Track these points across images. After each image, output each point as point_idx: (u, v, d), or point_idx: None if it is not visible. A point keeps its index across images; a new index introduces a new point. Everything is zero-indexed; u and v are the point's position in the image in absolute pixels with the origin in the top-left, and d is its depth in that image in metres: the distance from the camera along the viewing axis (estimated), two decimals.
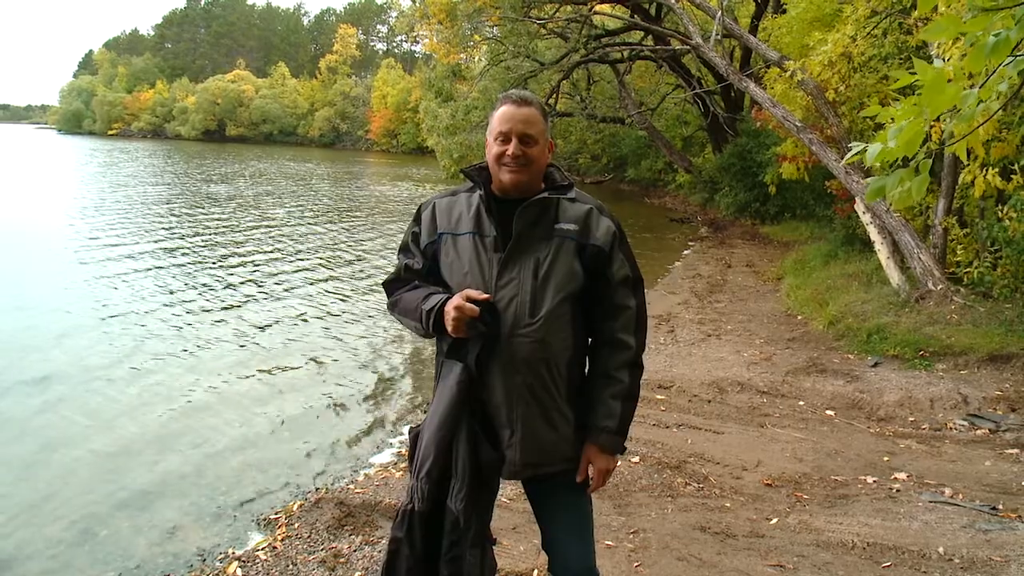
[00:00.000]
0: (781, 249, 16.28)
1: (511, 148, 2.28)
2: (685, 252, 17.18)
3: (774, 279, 13.03)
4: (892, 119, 2.33)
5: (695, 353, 8.42)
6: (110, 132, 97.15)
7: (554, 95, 24.09)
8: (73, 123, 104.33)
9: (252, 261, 14.44)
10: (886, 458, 5.45)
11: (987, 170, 7.70)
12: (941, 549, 3.99)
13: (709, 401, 6.78)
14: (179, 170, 39.04)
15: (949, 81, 2.10)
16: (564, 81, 24.25)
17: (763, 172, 18.50)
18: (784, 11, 17.25)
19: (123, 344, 8.60)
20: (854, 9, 10.99)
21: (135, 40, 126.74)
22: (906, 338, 8.02)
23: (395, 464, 5.58)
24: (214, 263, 13.97)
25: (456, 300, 2.21)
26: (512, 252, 2.29)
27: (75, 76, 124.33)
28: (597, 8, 23.14)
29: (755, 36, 16.99)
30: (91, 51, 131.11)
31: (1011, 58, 2.03)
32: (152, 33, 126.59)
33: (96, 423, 6.47)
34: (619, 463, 5.23)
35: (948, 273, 9.36)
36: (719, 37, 16.07)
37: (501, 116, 2.33)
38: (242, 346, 8.82)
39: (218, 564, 4.18)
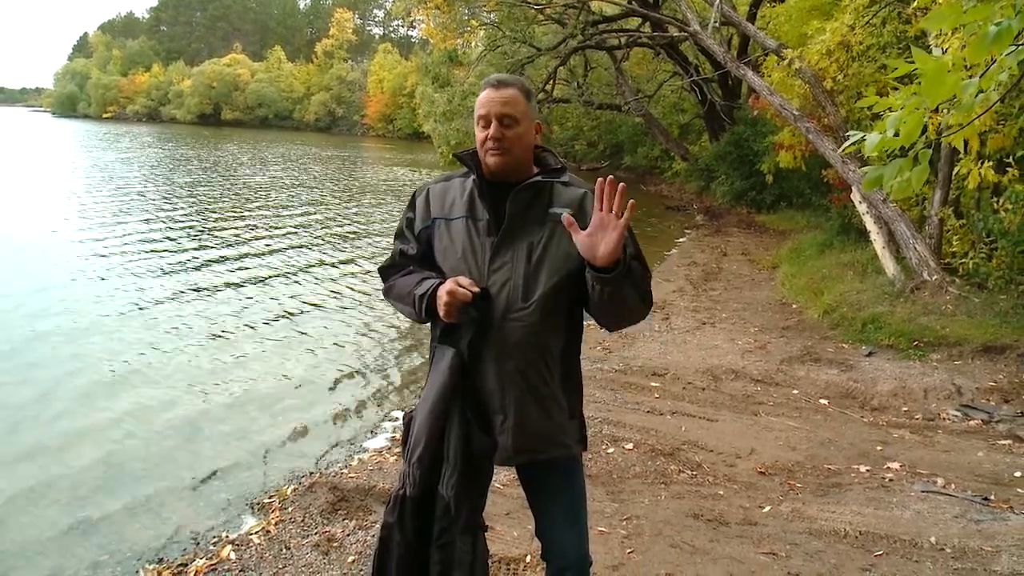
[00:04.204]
0: (777, 238, 16.29)
1: (491, 131, 2.26)
2: (681, 240, 17.19)
3: (769, 268, 13.05)
4: (890, 108, 2.32)
5: (690, 341, 8.43)
6: (105, 115, 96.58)
7: (551, 81, 24.00)
8: (68, 106, 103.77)
9: (258, 250, 14.40)
10: (879, 447, 5.47)
11: (982, 163, 7.70)
12: (933, 538, 4.01)
13: (703, 389, 6.79)
14: (201, 156, 38.69)
15: (948, 71, 2.10)
16: (561, 67, 24.13)
17: (760, 161, 18.47)
18: None
19: (120, 330, 8.58)
20: None
21: (130, 23, 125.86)
22: (901, 328, 8.04)
23: (389, 449, 5.58)
24: (219, 251, 13.95)
25: (448, 285, 2.19)
26: (505, 236, 2.28)
27: (70, 59, 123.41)
28: None
29: (753, 24, 16.95)
30: (86, 34, 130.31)
31: (1012, 47, 2.02)
32: (147, 16, 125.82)
33: (89, 408, 6.46)
34: (612, 450, 5.25)
35: (943, 264, 9.37)
36: (717, 24, 16.03)
37: (480, 100, 2.31)
38: (234, 331, 8.80)
39: (212, 548, 4.18)
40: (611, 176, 2.19)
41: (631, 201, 2.12)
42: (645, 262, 2.28)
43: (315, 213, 19.63)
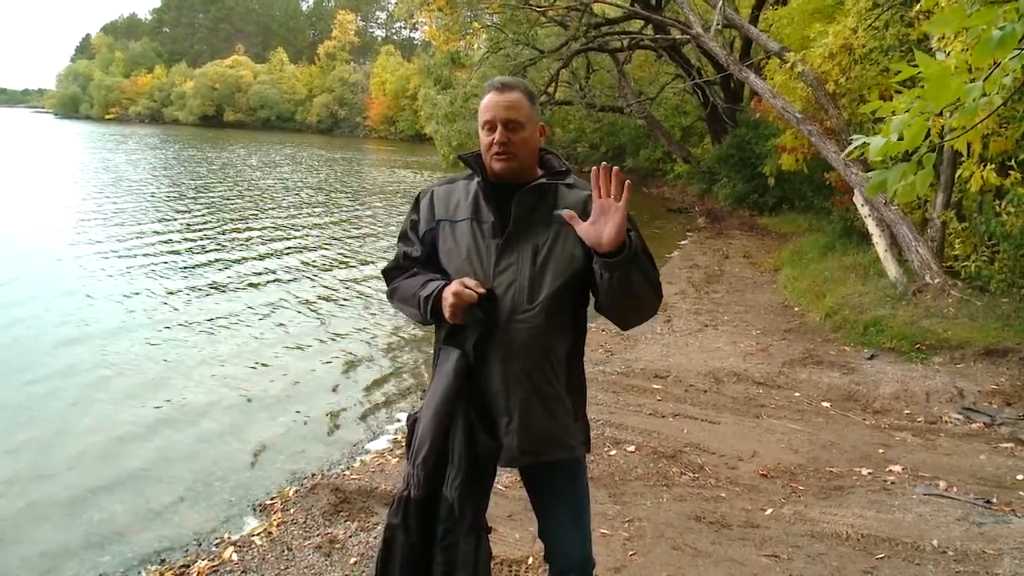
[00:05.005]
0: (779, 240, 16.28)
1: (496, 135, 2.27)
2: (683, 242, 17.18)
3: (771, 270, 13.05)
4: (893, 113, 2.32)
5: (692, 343, 8.43)
6: (107, 116, 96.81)
7: (553, 83, 24.01)
8: (70, 107, 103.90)
9: (267, 253, 14.39)
10: (881, 450, 5.47)
11: (985, 166, 7.70)
12: (935, 542, 4.00)
13: (705, 391, 6.79)
14: (209, 158, 38.62)
15: (951, 75, 2.10)
16: (563, 69, 24.15)
17: (762, 163, 18.47)
18: (785, 2, 17.21)
19: (125, 333, 8.58)
20: (855, 1, 10.95)
21: (133, 24, 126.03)
22: (903, 331, 8.03)
23: (391, 451, 5.58)
24: (228, 254, 13.95)
25: (454, 286, 2.20)
26: (510, 238, 2.28)
27: (72, 60, 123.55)
28: None
29: (756, 26, 16.95)
30: (88, 35, 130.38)
31: (1016, 51, 2.02)
32: (150, 17, 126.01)
33: (92, 408, 6.47)
34: (614, 452, 5.25)
35: (945, 267, 9.36)
36: (719, 27, 16.03)
37: (485, 105, 2.32)
38: (239, 332, 8.81)
39: (214, 549, 4.18)
40: (604, 163, 2.20)
41: (627, 182, 2.12)
42: (651, 255, 2.28)
43: (325, 215, 19.59)
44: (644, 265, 2.18)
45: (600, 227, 2.12)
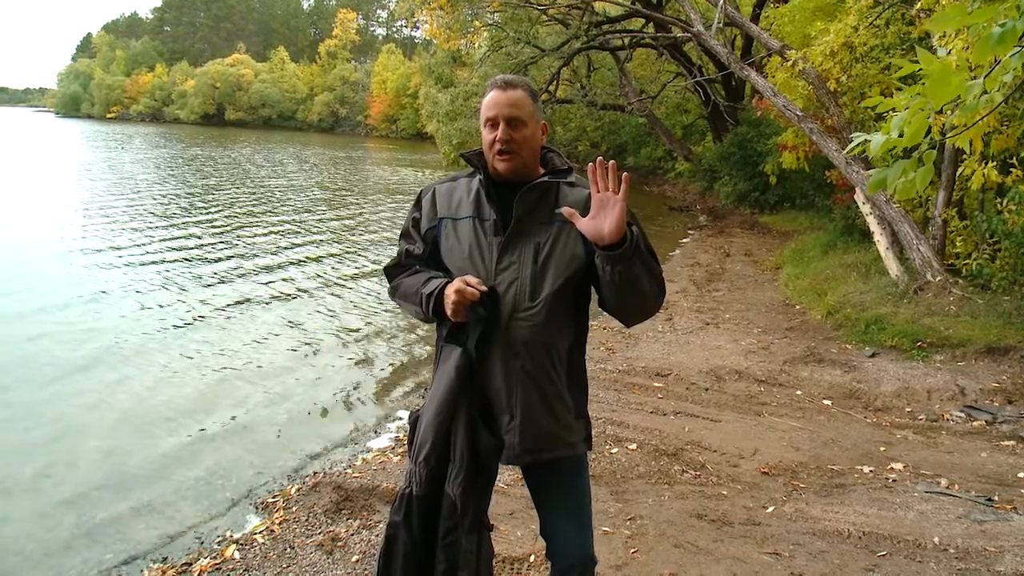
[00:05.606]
0: (780, 239, 16.28)
1: (499, 133, 2.27)
2: (684, 240, 17.18)
3: (773, 268, 13.05)
4: (894, 110, 2.32)
5: (693, 341, 8.43)
6: (108, 115, 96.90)
7: (554, 82, 24.01)
8: (71, 106, 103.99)
9: (273, 255, 14.38)
10: (883, 448, 5.47)
11: (986, 163, 7.69)
12: (936, 539, 4.00)
13: (707, 389, 6.79)
14: (215, 157, 38.58)
15: (952, 72, 2.10)
16: (564, 68, 24.15)
17: (763, 161, 18.49)
18: (786, 0, 17.20)
19: (124, 331, 8.58)
20: None
21: (134, 23, 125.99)
22: (904, 329, 8.03)
23: (393, 449, 5.59)
24: (235, 256, 13.95)
25: (456, 284, 2.20)
26: (512, 236, 2.28)
27: (73, 59, 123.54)
28: None
29: (757, 24, 16.92)
30: (89, 34, 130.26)
31: (1017, 49, 2.02)
32: (151, 16, 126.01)
33: (95, 408, 6.47)
34: (615, 450, 5.25)
35: (947, 265, 9.36)
36: (721, 25, 16.02)
37: (488, 102, 2.32)
38: (240, 332, 8.81)
39: (216, 547, 4.19)
40: (599, 157, 2.20)
41: (624, 174, 2.11)
42: (652, 250, 2.27)
43: (335, 218, 19.49)
44: (646, 258, 2.18)
45: (600, 221, 2.12)
